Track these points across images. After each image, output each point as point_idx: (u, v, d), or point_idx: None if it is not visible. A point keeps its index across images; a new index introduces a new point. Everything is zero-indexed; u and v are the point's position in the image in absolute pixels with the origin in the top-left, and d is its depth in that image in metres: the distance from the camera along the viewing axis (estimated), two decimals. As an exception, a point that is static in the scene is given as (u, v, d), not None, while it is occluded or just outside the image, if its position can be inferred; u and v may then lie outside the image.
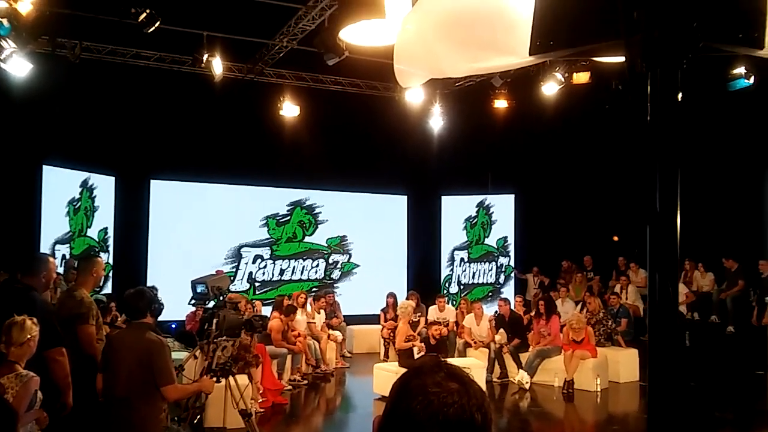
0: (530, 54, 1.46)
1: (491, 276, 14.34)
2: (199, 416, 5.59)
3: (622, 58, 1.39)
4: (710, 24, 1.21)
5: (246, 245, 13.13)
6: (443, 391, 1.14)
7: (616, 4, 1.24)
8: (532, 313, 10.67)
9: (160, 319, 4.72)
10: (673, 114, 1.21)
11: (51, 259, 4.99)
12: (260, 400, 7.95)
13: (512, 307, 10.57)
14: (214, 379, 5.04)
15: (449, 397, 1.14)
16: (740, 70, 9.68)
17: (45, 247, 10.39)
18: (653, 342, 1.17)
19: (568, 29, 1.37)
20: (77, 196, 11.35)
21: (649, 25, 1.19)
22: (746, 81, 9.74)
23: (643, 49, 1.20)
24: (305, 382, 9.52)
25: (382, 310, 11.65)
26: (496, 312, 10.64)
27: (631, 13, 1.21)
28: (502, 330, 10.20)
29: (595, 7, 1.31)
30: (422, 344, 9.12)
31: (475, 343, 10.26)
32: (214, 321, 5.25)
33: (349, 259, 14.09)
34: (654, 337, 1.16)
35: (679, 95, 1.29)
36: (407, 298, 11.65)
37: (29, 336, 3.83)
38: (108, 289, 11.17)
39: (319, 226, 13.84)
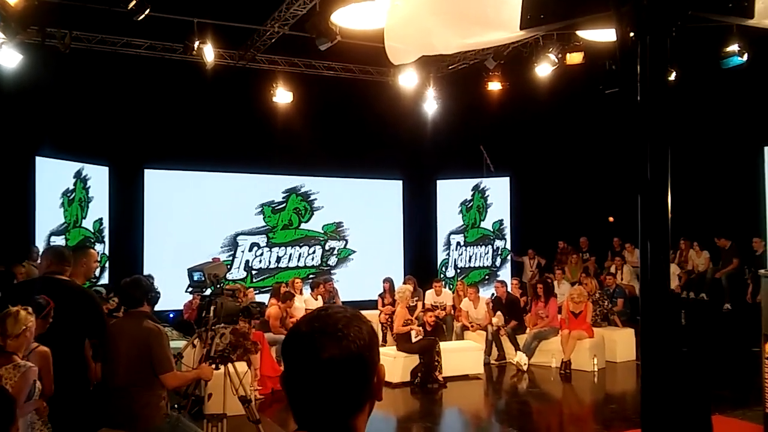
0: (521, 28, 1.44)
1: (488, 259, 14.37)
2: (199, 405, 5.61)
3: (612, 32, 1.38)
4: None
5: (242, 233, 13.12)
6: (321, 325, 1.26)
7: (606, -24, 1.22)
8: (529, 297, 10.73)
9: (157, 308, 4.72)
10: (662, 82, 1.20)
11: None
12: (258, 388, 7.99)
13: (509, 290, 10.62)
14: (213, 366, 5.06)
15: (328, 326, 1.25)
16: (734, 47, 9.65)
17: (40, 239, 10.37)
18: (646, 310, 1.17)
19: (558, 2, 1.36)
20: (71, 187, 11.30)
21: (638, -6, 1.18)
22: (740, 58, 9.71)
23: (633, 17, 1.18)
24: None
25: (380, 295, 11.68)
26: (493, 294, 10.68)
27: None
28: (499, 312, 10.25)
29: (585, -21, 1.30)
30: (420, 328, 9.15)
31: (472, 326, 10.32)
32: (212, 308, 5.25)
33: (345, 245, 14.10)
34: (646, 306, 1.16)
35: (669, 67, 1.28)
36: (404, 283, 11.68)
37: (24, 327, 3.82)
38: (105, 279, 11.16)
39: (314, 212, 13.82)
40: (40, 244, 10.30)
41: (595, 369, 9.18)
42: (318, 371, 1.22)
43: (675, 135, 1.20)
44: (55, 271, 4.53)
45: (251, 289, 10.85)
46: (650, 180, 1.17)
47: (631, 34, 1.21)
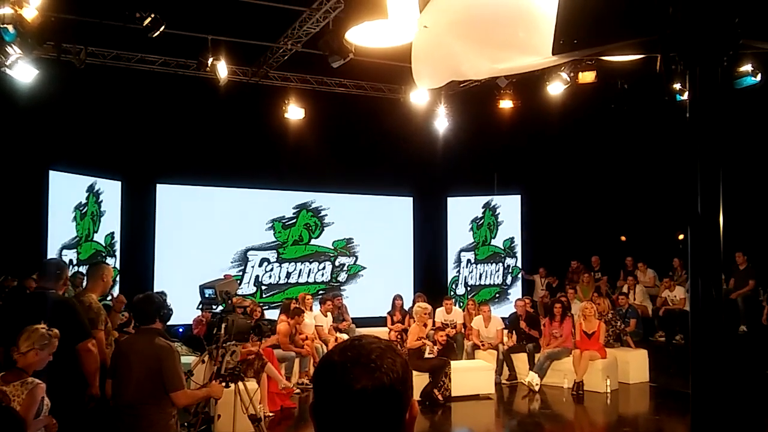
0: (553, 53, 1.40)
1: (498, 277, 14.29)
2: (208, 423, 5.56)
3: (640, 57, 1.34)
4: (751, 20, 1.15)
5: (252, 248, 13.11)
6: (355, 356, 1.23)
7: (645, 0, 1.18)
8: (543, 317, 10.65)
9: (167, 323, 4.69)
10: (714, 113, 1.16)
11: (65, 263, 5.05)
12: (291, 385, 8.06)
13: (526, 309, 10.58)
14: (223, 384, 5.02)
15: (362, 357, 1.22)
16: (747, 67, 9.60)
17: (52, 253, 10.39)
18: (697, 351, 1.12)
19: (593, 27, 1.31)
20: (84, 201, 11.35)
21: (688, 22, 1.13)
22: (753, 78, 9.66)
23: (681, 46, 1.14)
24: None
25: (389, 312, 11.61)
26: (514, 312, 10.63)
27: (665, 8, 1.16)
28: (514, 331, 10.22)
29: (622, 3, 1.26)
30: (432, 343, 9.09)
31: (483, 344, 10.24)
32: (223, 326, 5.23)
33: (355, 261, 14.06)
34: (698, 346, 1.11)
35: (681, 86, 1.24)
36: (414, 301, 11.61)
37: (31, 346, 3.82)
38: (115, 293, 11.15)
39: (325, 228, 13.80)
40: (52, 257, 10.32)
41: (608, 390, 9.06)
42: (349, 402, 1.19)
43: (727, 166, 1.16)
44: (42, 286, 4.60)
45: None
46: (701, 213, 1.13)
47: (678, 62, 1.17)
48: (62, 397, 4.04)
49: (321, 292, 13.01)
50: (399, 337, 10.72)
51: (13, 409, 3.42)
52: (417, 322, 9.24)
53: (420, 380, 8.58)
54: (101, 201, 11.67)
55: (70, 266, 10.65)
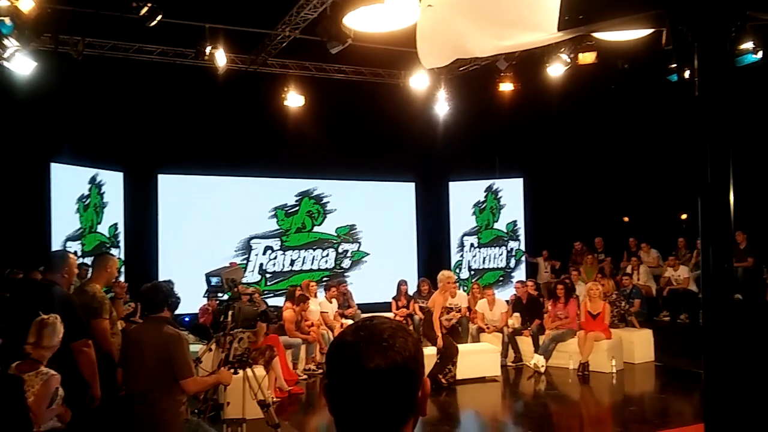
0: (558, 29, 1.40)
1: (502, 260, 14.32)
2: (218, 410, 5.62)
3: (647, 32, 1.34)
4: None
5: (256, 237, 13.15)
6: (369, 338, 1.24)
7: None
8: (548, 299, 10.68)
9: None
10: (723, 83, 1.16)
11: (71, 254, 5.04)
12: (287, 388, 8.07)
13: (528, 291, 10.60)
14: (232, 370, 5.06)
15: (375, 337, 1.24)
16: (748, 44, 9.54)
17: (56, 245, 10.44)
18: (708, 319, 1.13)
19: (598, 2, 1.31)
20: (86, 192, 11.38)
21: (696, -7, 1.13)
22: (754, 56, 9.60)
23: (690, 18, 1.14)
24: (320, 371, 9.54)
25: (394, 297, 11.65)
26: (514, 295, 10.66)
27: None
28: (516, 314, 10.22)
29: (628, -23, 1.25)
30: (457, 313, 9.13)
31: (488, 327, 10.28)
32: (230, 313, 5.27)
33: (358, 247, 14.09)
34: (709, 314, 1.12)
35: (684, 65, 1.24)
36: (418, 285, 11.66)
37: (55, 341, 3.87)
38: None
39: (327, 215, 13.83)
40: (58, 249, 10.35)
41: (614, 370, 9.10)
42: (363, 382, 1.20)
43: (735, 136, 1.16)
44: (46, 279, 4.64)
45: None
46: (711, 183, 1.13)
47: (686, 35, 1.17)
48: (72, 388, 4.08)
49: (325, 278, 13.05)
50: (404, 321, 10.77)
51: (5, 373, 3.45)
52: (440, 292, 8.70)
53: (427, 361, 8.60)
54: (103, 192, 11.70)
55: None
